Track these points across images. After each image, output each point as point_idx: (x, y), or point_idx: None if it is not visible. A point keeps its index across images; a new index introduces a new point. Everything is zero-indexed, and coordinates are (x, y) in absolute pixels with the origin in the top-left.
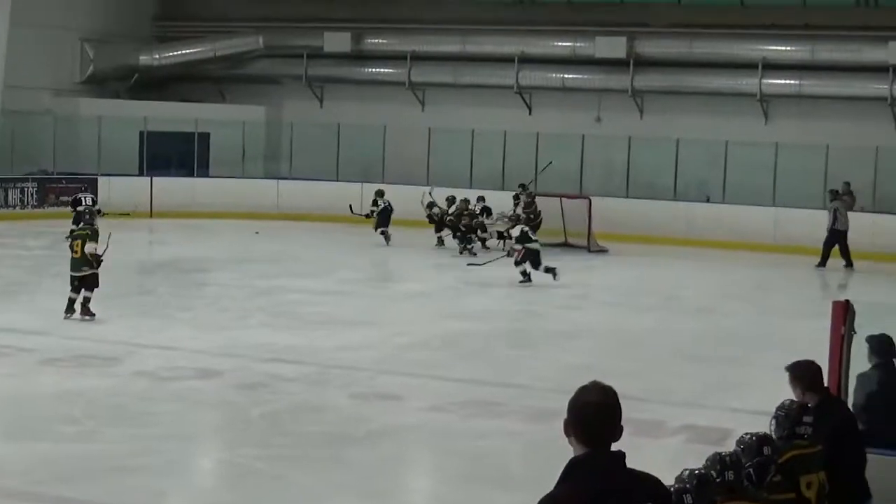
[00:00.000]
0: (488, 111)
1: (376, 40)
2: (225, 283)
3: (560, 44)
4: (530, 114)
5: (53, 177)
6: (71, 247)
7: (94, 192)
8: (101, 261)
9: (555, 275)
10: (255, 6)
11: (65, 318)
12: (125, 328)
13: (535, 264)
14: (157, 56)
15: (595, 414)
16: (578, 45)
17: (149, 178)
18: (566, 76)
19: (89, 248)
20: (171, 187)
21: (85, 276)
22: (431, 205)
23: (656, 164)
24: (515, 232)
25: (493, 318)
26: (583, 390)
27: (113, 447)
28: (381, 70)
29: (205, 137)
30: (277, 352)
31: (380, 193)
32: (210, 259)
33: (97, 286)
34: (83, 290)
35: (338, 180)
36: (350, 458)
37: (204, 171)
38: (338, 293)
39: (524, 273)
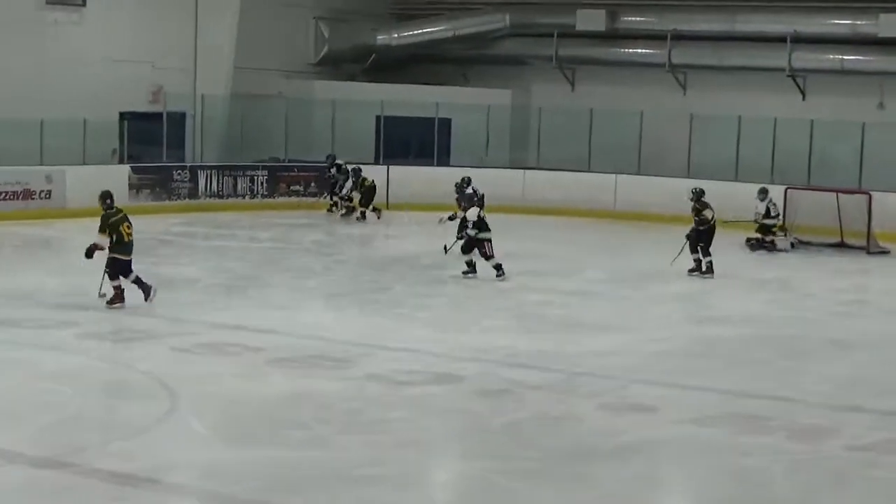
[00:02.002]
0: (756, 96)
1: (633, 18)
2: (466, 282)
3: (838, 21)
4: (804, 99)
5: (285, 164)
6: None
7: (328, 182)
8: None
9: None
10: None
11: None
12: (358, 328)
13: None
14: (396, 35)
15: None
16: (859, 22)
17: (385, 167)
18: (845, 57)
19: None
20: (409, 177)
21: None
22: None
23: None
24: (472, 215)
25: (759, 324)
26: None
27: (344, 455)
28: (639, 51)
29: (446, 123)
30: (521, 356)
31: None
32: (450, 255)
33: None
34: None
35: (589, 171)
36: (597, 474)
37: (445, 160)
38: (586, 294)
39: (468, 263)
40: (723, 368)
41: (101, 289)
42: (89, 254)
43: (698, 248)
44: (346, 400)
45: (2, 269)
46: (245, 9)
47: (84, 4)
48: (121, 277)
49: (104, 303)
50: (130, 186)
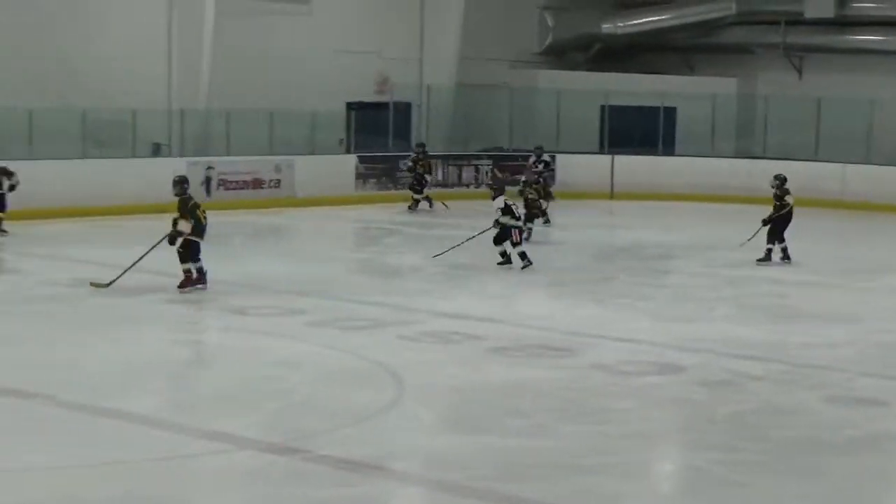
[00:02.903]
0: None
1: (864, 4)
2: (689, 272)
3: None
4: None
5: (509, 153)
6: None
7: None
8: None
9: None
10: None
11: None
12: (580, 317)
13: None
14: (621, 24)
15: None
16: None
17: (610, 157)
18: None
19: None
20: (633, 166)
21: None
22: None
23: None
24: (499, 203)
25: None
26: None
27: (565, 444)
28: (869, 38)
29: (671, 112)
30: (744, 347)
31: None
32: (674, 245)
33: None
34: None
35: (816, 160)
36: (825, 467)
37: (669, 149)
38: (813, 284)
39: (502, 254)
40: None
41: (117, 278)
42: (172, 241)
43: (773, 235)
44: (568, 389)
45: (233, 257)
46: (470, 3)
47: None
48: (190, 262)
49: (176, 287)
50: (357, 176)
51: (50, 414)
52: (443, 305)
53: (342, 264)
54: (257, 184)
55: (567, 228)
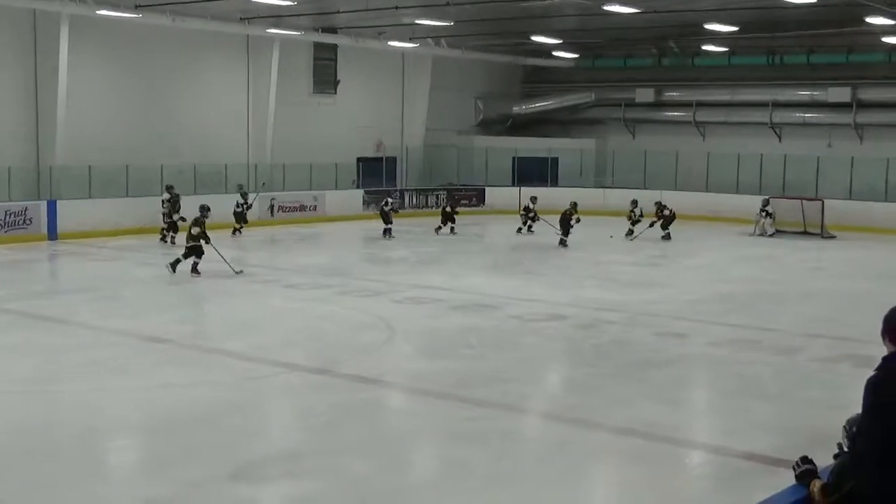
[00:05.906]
0: (748, 140)
1: (671, 94)
2: (570, 258)
3: (802, 92)
4: (780, 141)
5: (457, 187)
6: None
7: (482, 198)
8: (201, 238)
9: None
10: (589, 72)
11: (171, 273)
12: (504, 287)
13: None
14: (524, 107)
15: None
16: (815, 93)
17: (518, 188)
18: (806, 115)
19: (194, 230)
20: (534, 193)
21: (189, 247)
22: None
23: (874, 176)
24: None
25: (754, 282)
26: (894, 308)
27: (494, 364)
28: (675, 114)
29: (555, 161)
30: (603, 304)
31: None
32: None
33: (202, 253)
34: (192, 256)
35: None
36: (650, 376)
37: (554, 182)
38: (645, 265)
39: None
40: (731, 311)
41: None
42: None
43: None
44: (495, 330)
45: (287, 253)
46: (432, 92)
47: (335, 92)
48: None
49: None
50: (363, 202)
51: (178, 353)
52: (418, 280)
53: (356, 256)
54: (302, 208)
55: (494, 234)
